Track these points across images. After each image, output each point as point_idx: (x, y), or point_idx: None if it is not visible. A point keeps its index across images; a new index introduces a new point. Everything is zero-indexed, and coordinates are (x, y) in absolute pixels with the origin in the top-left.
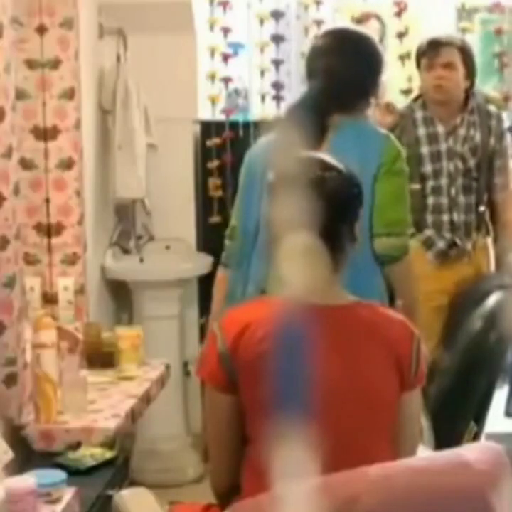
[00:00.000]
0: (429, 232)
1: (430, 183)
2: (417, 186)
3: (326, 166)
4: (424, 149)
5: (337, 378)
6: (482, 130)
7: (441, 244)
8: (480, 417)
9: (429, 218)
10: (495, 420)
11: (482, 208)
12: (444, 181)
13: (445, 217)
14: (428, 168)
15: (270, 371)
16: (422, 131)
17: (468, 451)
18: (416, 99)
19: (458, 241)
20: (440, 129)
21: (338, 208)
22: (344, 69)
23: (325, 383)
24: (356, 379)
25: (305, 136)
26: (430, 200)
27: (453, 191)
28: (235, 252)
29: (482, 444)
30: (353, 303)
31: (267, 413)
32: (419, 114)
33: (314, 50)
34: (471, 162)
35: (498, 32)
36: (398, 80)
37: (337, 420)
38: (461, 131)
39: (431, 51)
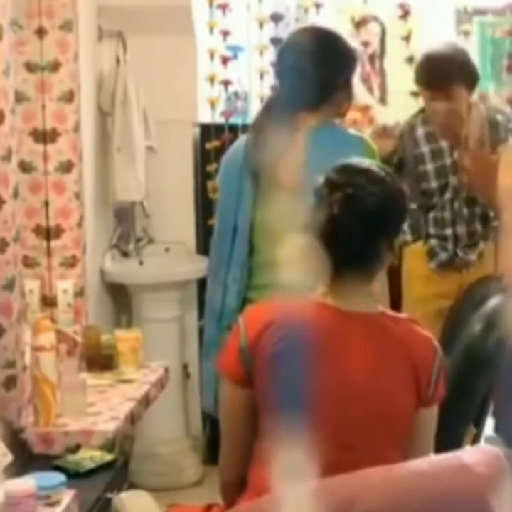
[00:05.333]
0: (433, 241)
1: (434, 199)
2: (413, 206)
3: (372, 179)
4: (429, 166)
5: (355, 386)
6: (491, 142)
7: (443, 256)
8: (479, 420)
9: (432, 230)
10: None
11: (490, 217)
12: (448, 196)
13: (448, 231)
14: (433, 184)
15: (282, 373)
16: (425, 148)
17: (468, 455)
18: (416, 115)
19: (460, 253)
20: (444, 144)
21: (379, 223)
22: (311, 66)
23: (342, 389)
24: (374, 388)
25: (278, 136)
26: (432, 215)
27: (456, 205)
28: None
29: (482, 447)
30: (379, 313)
31: (276, 413)
32: (420, 132)
33: (284, 48)
34: None
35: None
36: (407, 83)
37: (349, 426)
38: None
39: (430, 84)
